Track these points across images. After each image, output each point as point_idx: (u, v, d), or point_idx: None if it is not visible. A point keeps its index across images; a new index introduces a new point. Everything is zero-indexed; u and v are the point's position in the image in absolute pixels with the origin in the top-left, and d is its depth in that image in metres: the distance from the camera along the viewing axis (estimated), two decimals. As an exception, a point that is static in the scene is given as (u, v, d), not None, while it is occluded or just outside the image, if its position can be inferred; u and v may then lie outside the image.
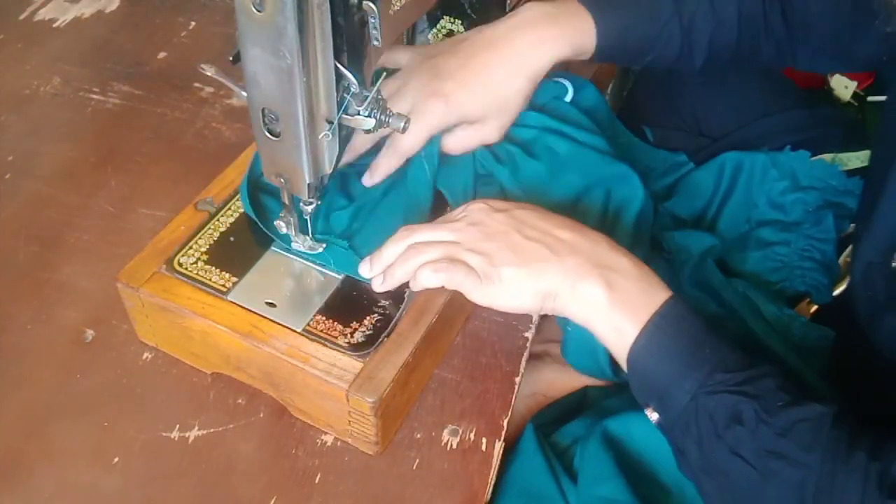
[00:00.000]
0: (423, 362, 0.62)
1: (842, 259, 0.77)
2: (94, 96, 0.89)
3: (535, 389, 0.74)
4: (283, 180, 0.60)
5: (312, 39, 0.51)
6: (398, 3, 0.67)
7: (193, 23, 1.00)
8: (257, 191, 0.69)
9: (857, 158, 0.83)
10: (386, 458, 0.61)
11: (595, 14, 0.70)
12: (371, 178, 0.70)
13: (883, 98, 0.87)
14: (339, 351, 0.58)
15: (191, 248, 0.64)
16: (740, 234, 0.81)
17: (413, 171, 0.69)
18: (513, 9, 0.82)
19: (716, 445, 0.52)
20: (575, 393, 0.75)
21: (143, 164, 0.82)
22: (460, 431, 0.62)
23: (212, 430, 0.62)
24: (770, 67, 0.86)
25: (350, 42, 0.54)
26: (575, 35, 0.69)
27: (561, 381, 0.73)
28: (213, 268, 0.63)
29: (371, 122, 0.58)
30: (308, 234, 0.64)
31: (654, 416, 0.56)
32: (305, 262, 0.65)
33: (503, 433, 0.62)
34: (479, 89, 0.68)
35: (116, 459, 0.60)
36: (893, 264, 0.60)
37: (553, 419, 0.71)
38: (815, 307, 0.75)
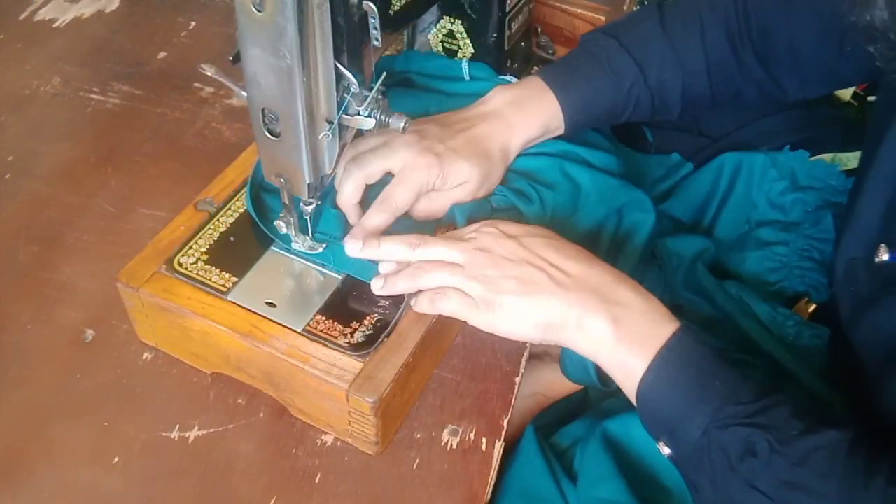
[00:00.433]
0: (422, 362, 0.62)
1: (841, 259, 0.77)
2: (94, 96, 0.89)
3: (535, 389, 0.74)
4: (283, 180, 0.60)
5: (312, 39, 0.51)
6: (398, 3, 0.67)
7: (193, 23, 1.00)
8: (260, 190, 0.69)
9: (857, 158, 0.83)
10: (386, 458, 0.61)
11: (558, 93, 0.70)
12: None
13: (882, 98, 0.86)
14: (339, 351, 0.58)
15: (191, 248, 0.64)
16: (740, 235, 0.81)
17: None
18: (512, 9, 0.83)
19: (731, 480, 0.52)
20: (575, 394, 0.75)
21: (143, 164, 0.82)
22: (460, 431, 0.62)
23: (212, 430, 0.62)
24: (763, 106, 0.86)
25: (350, 42, 0.55)
26: (541, 117, 0.70)
27: (561, 381, 0.73)
28: (213, 268, 0.63)
29: (371, 122, 0.58)
30: (308, 234, 0.64)
31: (666, 450, 0.56)
32: (305, 262, 0.65)
33: (503, 433, 0.62)
34: (466, 152, 0.66)
35: (116, 459, 0.60)
36: (877, 259, 0.59)
37: (553, 420, 0.72)
38: (813, 306, 0.75)
